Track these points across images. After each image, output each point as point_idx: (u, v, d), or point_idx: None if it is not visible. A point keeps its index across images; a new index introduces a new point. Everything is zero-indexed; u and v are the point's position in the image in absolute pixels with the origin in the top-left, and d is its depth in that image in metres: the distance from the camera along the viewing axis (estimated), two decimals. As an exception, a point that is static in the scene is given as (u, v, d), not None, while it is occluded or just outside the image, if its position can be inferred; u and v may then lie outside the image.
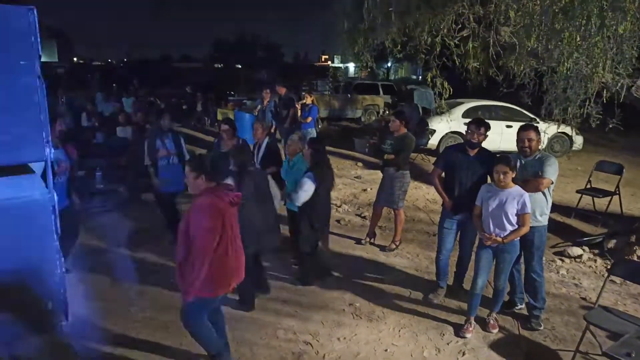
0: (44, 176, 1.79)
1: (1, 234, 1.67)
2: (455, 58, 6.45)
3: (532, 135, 4.04)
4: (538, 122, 10.63)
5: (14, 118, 1.75)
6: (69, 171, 4.56)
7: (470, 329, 4.06)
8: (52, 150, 4.52)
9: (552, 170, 3.96)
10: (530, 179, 3.94)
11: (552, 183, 3.99)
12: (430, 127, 10.93)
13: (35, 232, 1.55)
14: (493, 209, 3.83)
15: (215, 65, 42.46)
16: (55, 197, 1.57)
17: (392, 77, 36.82)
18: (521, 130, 4.13)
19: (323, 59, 60.90)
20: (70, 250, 4.53)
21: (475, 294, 4.04)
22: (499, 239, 3.83)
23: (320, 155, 4.71)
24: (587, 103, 5.27)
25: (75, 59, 54.55)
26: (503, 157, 3.85)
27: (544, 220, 4.10)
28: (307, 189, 4.48)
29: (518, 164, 4.04)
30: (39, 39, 2.16)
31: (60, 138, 4.49)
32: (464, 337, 3.99)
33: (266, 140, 5.67)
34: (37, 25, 2.32)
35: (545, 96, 5.48)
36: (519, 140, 4.09)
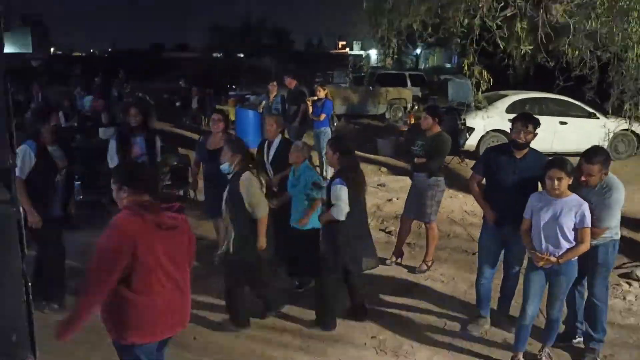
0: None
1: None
2: (498, 41, 6.39)
3: (596, 170, 3.76)
4: (598, 117, 10.53)
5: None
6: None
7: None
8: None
9: (610, 216, 3.84)
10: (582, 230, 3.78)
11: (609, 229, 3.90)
12: (467, 125, 10.86)
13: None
14: (545, 223, 3.76)
15: (214, 55, 42.90)
16: (21, 211, 1.56)
17: (421, 65, 36.81)
18: (584, 159, 3.82)
19: (340, 46, 61.18)
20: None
21: (524, 325, 3.98)
22: (552, 258, 3.76)
23: (349, 158, 4.62)
24: None
25: (52, 49, 55.72)
26: (556, 160, 3.79)
27: (613, 234, 4.02)
28: (343, 197, 4.34)
29: None
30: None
31: (53, 133, 4.66)
32: None
33: (279, 137, 5.68)
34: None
35: (612, 88, 5.39)
36: (578, 170, 3.83)
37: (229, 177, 4.42)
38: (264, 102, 10.75)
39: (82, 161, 8.25)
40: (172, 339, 3.19)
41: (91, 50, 64.27)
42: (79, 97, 14.15)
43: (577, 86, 6.17)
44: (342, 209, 4.34)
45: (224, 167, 4.42)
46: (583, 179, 3.82)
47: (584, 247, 3.74)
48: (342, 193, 4.34)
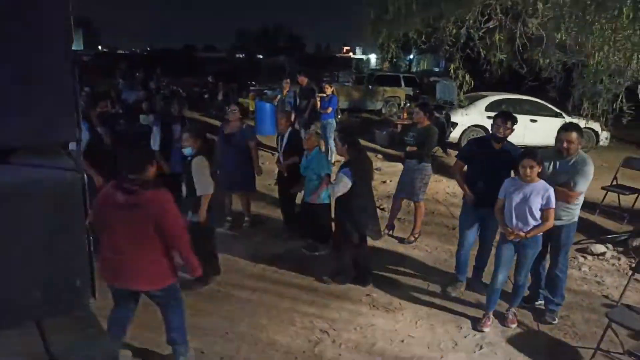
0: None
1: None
2: (481, 50, 6.34)
3: (574, 137, 3.85)
4: (564, 117, 10.44)
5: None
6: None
7: (488, 323, 4.03)
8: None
9: (584, 181, 3.84)
10: (560, 189, 3.82)
11: (582, 194, 3.90)
12: (452, 120, 10.80)
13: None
14: (517, 203, 3.76)
15: (237, 55, 42.62)
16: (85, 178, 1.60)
17: (414, 69, 36.43)
18: (562, 130, 3.93)
19: (345, 50, 60.59)
20: None
21: (495, 289, 4.01)
22: (521, 233, 3.77)
23: (357, 149, 4.54)
24: (619, 98, 5.13)
25: (100, 47, 55.35)
26: (529, 151, 3.78)
27: (575, 217, 4.03)
28: (341, 183, 4.35)
29: (551, 165, 3.95)
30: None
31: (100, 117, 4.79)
32: (482, 331, 3.97)
33: (289, 130, 5.68)
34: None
35: (574, 90, 5.35)
36: (558, 140, 3.91)
37: (189, 159, 4.29)
38: (278, 96, 10.69)
39: (125, 142, 8.25)
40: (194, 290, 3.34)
41: (132, 49, 63.85)
42: (123, 88, 14.08)
43: (545, 88, 6.13)
44: (335, 190, 4.40)
45: (187, 150, 4.27)
46: (565, 146, 3.86)
47: (549, 224, 3.75)
48: (341, 179, 4.35)
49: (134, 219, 2.90)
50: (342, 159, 4.64)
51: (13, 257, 1.47)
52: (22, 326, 1.50)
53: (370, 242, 5.75)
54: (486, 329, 3.99)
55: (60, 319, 1.51)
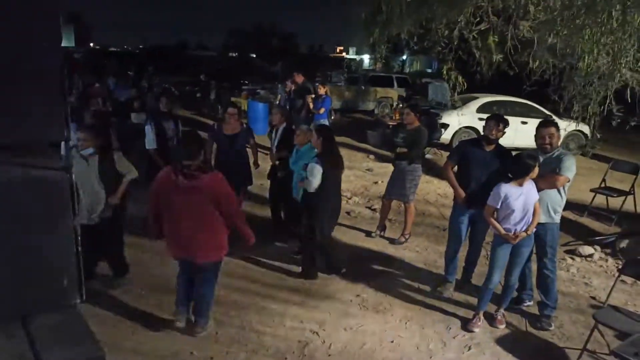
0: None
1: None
2: (475, 51, 6.38)
3: (553, 131, 4.00)
4: (554, 119, 10.53)
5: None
6: None
7: (479, 323, 4.06)
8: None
9: (569, 168, 3.91)
10: (547, 175, 3.90)
11: (569, 181, 3.95)
12: (443, 122, 10.85)
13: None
14: (520, 208, 3.79)
15: (230, 54, 42.47)
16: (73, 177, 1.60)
17: (406, 69, 36.51)
18: (541, 126, 4.09)
19: (338, 50, 60.64)
20: None
21: (489, 289, 4.04)
22: (523, 233, 3.83)
23: (329, 143, 4.68)
24: (607, 101, 5.19)
25: (91, 44, 54.89)
26: (529, 154, 3.85)
27: (557, 218, 4.08)
28: (316, 174, 4.48)
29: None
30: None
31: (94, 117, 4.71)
32: (472, 331, 4.00)
33: (283, 125, 5.70)
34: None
35: (564, 92, 5.41)
36: (539, 137, 4.05)
37: (91, 157, 4.09)
38: (280, 95, 10.69)
39: (117, 139, 8.19)
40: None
41: (124, 47, 63.40)
42: (113, 86, 13.98)
43: (538, 91, 6.19)
44: (312, 182, 4.50)
45: (86, 151, 4.02)
46: (547, 141, 3.98)
47: (538, 217, 3.88)
48: (315, 171, 4.48)
49: (195, 199, 3.37)
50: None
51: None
52: (7, 325, 1.49)
53: (361, 243, 5.79)
54: (476, 329, 4.02)
55: (46, 319, 1.50)
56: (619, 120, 5.38)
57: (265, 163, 6.33)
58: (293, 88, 10.05)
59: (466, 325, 4.07)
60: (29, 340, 1.47)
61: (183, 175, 3.35)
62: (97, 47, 54.94)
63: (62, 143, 1.48)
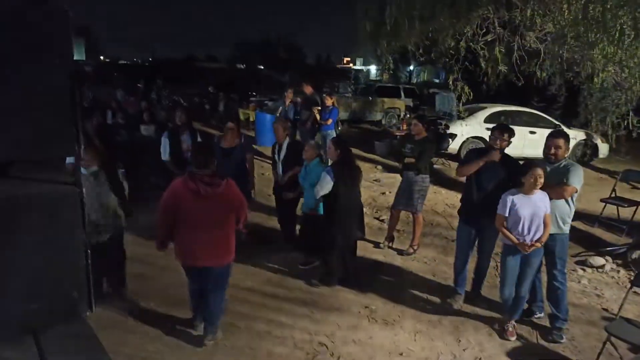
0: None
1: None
2: (481, 62, 6.39)
3: (561, 142, 3.97)
4: (563, 129, 10.48)
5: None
6: None
7: (514, 332, 4.09)
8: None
9: (577, 179, 3.89)
10: (555, 186, 3.88)
11: (577, 191, 3.92)
12: (451, 132, 10.84)
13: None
14: (529, 217, 3.78)
15: (238, 66, 42.82)
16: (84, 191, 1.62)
17: (414, 80, 36.58)
18: (551, 136, 4.06)
19: (345, 61, 60.87)
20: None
21: (508, 298, 4.03)
22: (538, 244, 3.82)
23: (346, 154, 4.75)
24: (629, 114, 5.18)
25: (101, 57, 55.64)
26: (536, 163, 3.85)
27: (566, 229, 4.04)
28: (324, 184, 4.54)
29: None
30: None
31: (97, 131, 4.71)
32: (509, 340, 4.03)
33: (287, 140, 5.68)
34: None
35: (581, 106, 5.41)
36: (547, 147, 4.03)
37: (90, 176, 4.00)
38: (280, 107, 10.72)
39: (126, 152, 8.28)
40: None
41: (134, 59, 64.15)
42: (122, 99, 14.14)
43: (548, 102, 6.20)
44: (318, 191, 4.60)
45: (84, 170, 3.89)
46: (553, 151, 3.97)
47: (549, 229, 3.85)
48: (324, 179, 4.56)
49: (217, 205, 3.50)
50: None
51: (10, 269, 1.48)
52: (18, 337, 1.50)
53: (368, 254, 5.77)
54: (512, 338, 4.04)
55: (56, 331, 1.52)
56: (639, 132, 5.35)
57: (270, 174, 6.32)
58: (292, 100, 10.06)
59: (503, 334, 4.09)
60: (39, 353, 1.48)
61: (204, 183, 3.45)
62: (107, 60, 55.65)
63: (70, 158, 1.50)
